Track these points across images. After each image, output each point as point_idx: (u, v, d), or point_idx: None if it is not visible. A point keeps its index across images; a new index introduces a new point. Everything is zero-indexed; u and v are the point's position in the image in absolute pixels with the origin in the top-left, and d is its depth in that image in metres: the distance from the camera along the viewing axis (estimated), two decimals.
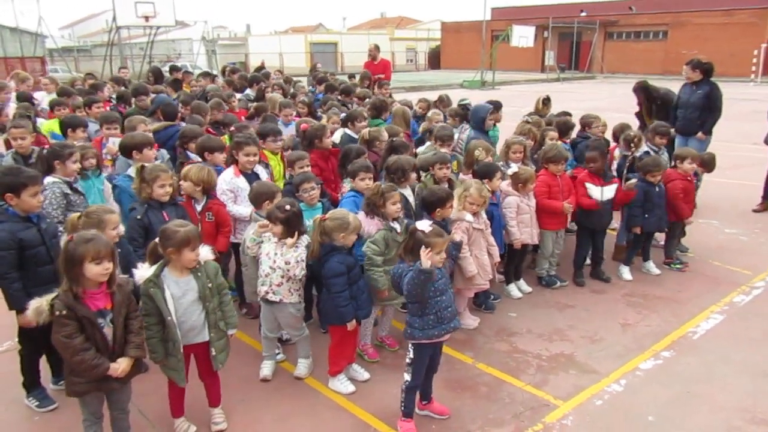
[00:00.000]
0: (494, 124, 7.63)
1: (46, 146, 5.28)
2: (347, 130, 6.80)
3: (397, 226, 4.51)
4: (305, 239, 4.27)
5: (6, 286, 3.73)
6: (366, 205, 4.56)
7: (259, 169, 5.41)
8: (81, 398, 3.43)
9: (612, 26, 46.72)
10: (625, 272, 6.43)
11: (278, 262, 4.20)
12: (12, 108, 7.89)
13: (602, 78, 42.56)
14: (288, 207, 4.15)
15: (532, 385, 4.45)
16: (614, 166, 6.88)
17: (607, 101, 22.81)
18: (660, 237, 6.96)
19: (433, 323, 3.69)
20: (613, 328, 5.34)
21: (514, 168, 5.70)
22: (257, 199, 4.58)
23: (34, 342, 4.05)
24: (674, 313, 5.60)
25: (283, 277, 4.22)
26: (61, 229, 4.34)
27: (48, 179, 4.60)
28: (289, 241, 4.14)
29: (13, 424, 4.09)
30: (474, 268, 4.96)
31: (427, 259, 3.48)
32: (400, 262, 3.77)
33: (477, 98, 9.23)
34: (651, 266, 6.56)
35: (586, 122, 7.59)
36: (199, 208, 4.88)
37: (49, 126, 7.17)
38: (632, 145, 6.74)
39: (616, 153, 7.16)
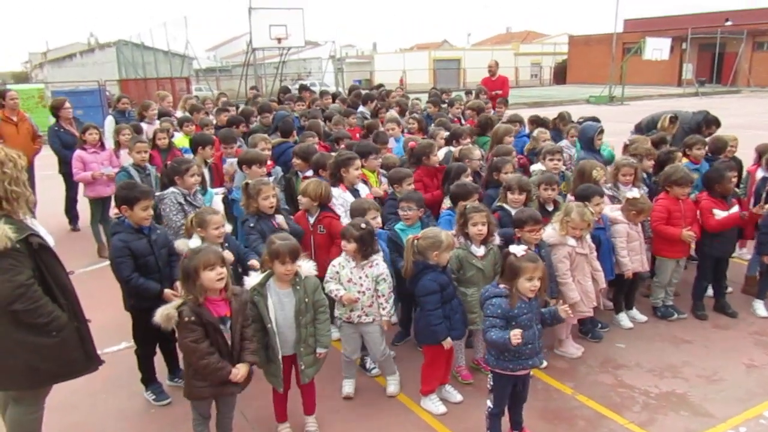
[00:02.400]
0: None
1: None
2: (452, 148, 6.79)
3: (477, 249, 4.43)
4: (379, 257, 4.32)
5: (133, 285, 4.12)
6: (456, 223, 4.54)
7: (360, 186, 5.56)
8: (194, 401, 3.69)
9: (762, 36, 42.73)
10: (760, 308, 5.82)
11: (366, 284, 4.29)
12: (157, 124, 8.75)
13: (749, 92, 39.00)
14: (363, 225, 4.23)
15: (636, 424, 4.16)
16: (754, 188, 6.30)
17: (752, 118, 20.86)
18: None
19: (510, 357, 3.58)
20: (735, 368, 4.86)
21: (635, 193, 5.33)
22: (352, 216, 4.71)
23: (147, 342, 4.47)
24: None
25: (372, 297, 4.30)
26: (181, 231, 4.78)
27: (169, 189, 5.12)
28: (349, 246, 4.19)
29: (133, 413, 4.51)
30: (576, 294, 4.74)
31: (516, 339, 3.41)
32: (493, 285, 3.70)
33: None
34: None
35: (720, 144, 6.99)
36: (312, 220, 5.10)
37: (180, 141, 7.85)
38: None
39: (759, 174, 6.53)
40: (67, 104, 8.67)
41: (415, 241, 4.14)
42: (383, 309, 4.31)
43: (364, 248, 4.22)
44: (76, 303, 3.42)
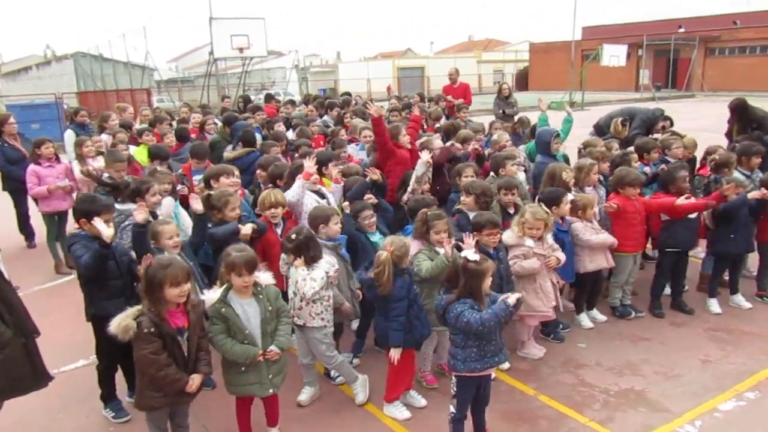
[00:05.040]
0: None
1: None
2: None
3: (441, 250, 4.44)
4: (323, 264, 4.26)
5: (85, 264, 3.96)
6: (415, 229, 4.56)
7: (324, 189, 5.58)
8: (150, 413, 3.63)
9: (714, 42, 44.18)
10: (713, 305, 5.98)
11: (297, 285, 4.21)
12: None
13: (703, 96, 40.23)
14: (294, 236, 4.20)
15: (596, 422, 4.24)
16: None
17: (706, 121, 21.49)
18: (753, 267, 6.47)
19: (476, 356, 3.61)
20: (691, 364, 4.99)
21: (570, 196, 5.47)
22: (312, 223, 4.67)
23: (110, 357, 4.35)
24: (763, 350, 5.16)
25: (302, 300, 4.23)
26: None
27: (132, 206, 4.98)
28: (298, 261, 4.17)
29: (92, 431, 4.39)
30: (536, 264, 4.79)
31: (514, 300, 3.46)
32: (444, 291, 3.73)
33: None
34: (740, 299, 6.08)
35: (665, 144, 7.21)
36: (279, 231, 5.05)
37: (138, 153, 7.72)
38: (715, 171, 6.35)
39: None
40: (12, 119, 8.42)
41: (392, 255, 4.05)
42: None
43: (306, 255, 4.17)
44: (23, 318, 3.33)
